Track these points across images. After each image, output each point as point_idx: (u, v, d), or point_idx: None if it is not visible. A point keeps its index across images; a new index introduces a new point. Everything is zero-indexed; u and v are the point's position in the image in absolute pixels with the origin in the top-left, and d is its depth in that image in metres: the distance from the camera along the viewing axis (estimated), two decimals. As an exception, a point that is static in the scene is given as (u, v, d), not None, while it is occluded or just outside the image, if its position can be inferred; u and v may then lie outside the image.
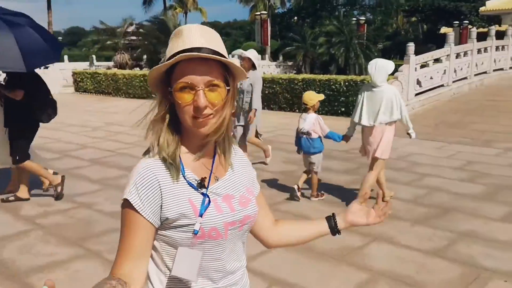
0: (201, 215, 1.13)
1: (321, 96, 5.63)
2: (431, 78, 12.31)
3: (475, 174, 6.91)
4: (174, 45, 1.12)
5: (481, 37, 15.54)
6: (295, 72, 22.31)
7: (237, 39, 57.05)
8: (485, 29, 32.10)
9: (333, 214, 1.44)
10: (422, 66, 12.23)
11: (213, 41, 1.12)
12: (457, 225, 4.83)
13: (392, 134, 5.17)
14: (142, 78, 17.40)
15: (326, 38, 23.51)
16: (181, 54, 1.08)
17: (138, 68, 25.17)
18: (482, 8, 33.69)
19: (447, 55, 12.75)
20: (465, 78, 13.42)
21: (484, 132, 9.42)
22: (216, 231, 1.16)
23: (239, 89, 6.40)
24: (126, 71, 20.36)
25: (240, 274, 1.29)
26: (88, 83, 20.13)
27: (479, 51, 14.15)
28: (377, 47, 25.45)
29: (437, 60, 12.75)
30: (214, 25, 69.37)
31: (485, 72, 14.65)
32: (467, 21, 35.77)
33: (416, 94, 11.82)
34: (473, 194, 5.94)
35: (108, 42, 30.71)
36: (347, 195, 5.76)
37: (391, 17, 41.32)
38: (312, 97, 5.52)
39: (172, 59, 1.09)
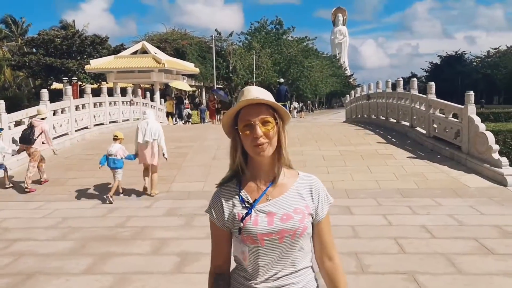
0: (241, 224, 1.71)
1: (121, 134, 9.30)
2: (29, 136, 11.87)
3: (68, 230, 6.98)
4: (239, 99, 1.73)
5: (94, 92, 16.28)
6: None
7: None
8: (96, 86, 34.34)
9: None
10: (18, 124, 11.72)
11: (264, 94, 1.73)
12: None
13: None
14: None
15: None
16: (241, 100, 1.72)
17: None
18: (87, 66, 35.80)
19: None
20: (66, 134, 13.70)
21: (83, 186, 9.76)
22: (252, 239, 1.70)
23: None
24: None
25: (292, 278, 1.74)
26: None
27: (77, 107, 14.72)
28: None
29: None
30: None
31: (86, 127, 15.37)
32: (75, 78, 37.34)
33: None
34: (61, 252, 5.95)
35: None
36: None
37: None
38: (119, 134, 9.23)
39: (236, 105, 1.73)
